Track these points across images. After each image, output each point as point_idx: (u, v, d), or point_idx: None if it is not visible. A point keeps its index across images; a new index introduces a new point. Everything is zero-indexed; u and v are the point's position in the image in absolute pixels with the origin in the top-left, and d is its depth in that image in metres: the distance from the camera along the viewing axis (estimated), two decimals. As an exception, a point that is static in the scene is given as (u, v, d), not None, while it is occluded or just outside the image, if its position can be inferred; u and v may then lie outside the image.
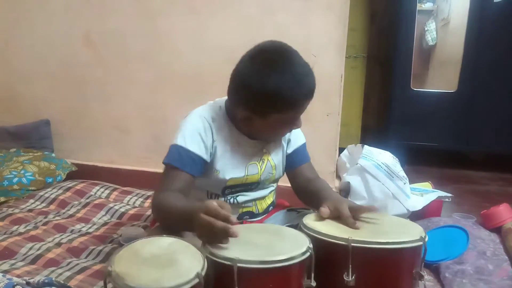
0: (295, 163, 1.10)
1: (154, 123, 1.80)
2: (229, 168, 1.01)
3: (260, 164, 1.05)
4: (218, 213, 0.70)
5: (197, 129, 0.97)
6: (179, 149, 0.95)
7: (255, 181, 1.05)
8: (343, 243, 0.70)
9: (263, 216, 1.11)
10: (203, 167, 0.98)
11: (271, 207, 1.13)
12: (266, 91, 0.88)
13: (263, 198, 1.10)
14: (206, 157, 0.97)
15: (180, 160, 0.94)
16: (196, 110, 1.02)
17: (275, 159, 1.08)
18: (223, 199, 1.05)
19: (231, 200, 1.05)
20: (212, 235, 0.71)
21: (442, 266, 1.14)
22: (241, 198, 1.06)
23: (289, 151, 1.10)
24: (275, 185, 1.14)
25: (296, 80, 0.88)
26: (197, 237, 0.74)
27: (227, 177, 1.01)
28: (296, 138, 1.11)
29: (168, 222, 0.89)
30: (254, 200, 1.08)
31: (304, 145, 1.13)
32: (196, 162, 0.95)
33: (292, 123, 0.96)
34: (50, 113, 1.93)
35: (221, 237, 0.70)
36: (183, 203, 0.86)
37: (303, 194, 1.08)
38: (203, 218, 0.70)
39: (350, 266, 0.70)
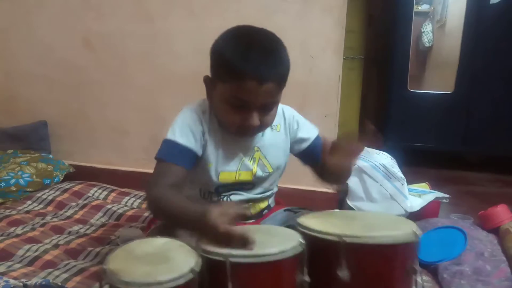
0: (316, 151, 1.01)
1: (152, 124, 1.80)
2: (221, 161, 0.99)
3: (252, 162, 1.02)
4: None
5: (186, 122, 0.97)
6: (167, 143, 0.96)
7: (249, 181, 1.03)
8: (335, 239, 0.70)
9: (256, 219, 1.09)
10: (194, 160, 0.97)
11: (266, 210, 1.10)
12: (216, 52, 0.93)
13: (258, 201, 1.08)
14: (196, 148, 0.96)
15: (169, 154, 0.94)
16: (187, 105, 1.02)
17: (269, 158, 1.04)
18: (216, 198, 1.03)
19: (224, 200, 1.03)
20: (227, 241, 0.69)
21: (440, 267, 1.14)
22: (235, 197, 1.03)
23: (304, 146, 1.06)
24: (273, 189, 1.11)
25: (249, 52, 0.86)
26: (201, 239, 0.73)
27: (219, 170, 0.99)
28: (308, 132, 1.07)
29: (169, 220, 0.90)
30: (248, 201, 1.05)
31: (318, 137, 1.06)
32: (185, 155, 0.95)
33: (238, 107, 0.90)
34: (48, 114, 1.92)
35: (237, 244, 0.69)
36: (187, 203, 0.86)
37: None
38: (220, 228, 0.69)
39: (344, 261, 0.70)
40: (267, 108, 0.92)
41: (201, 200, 1.03)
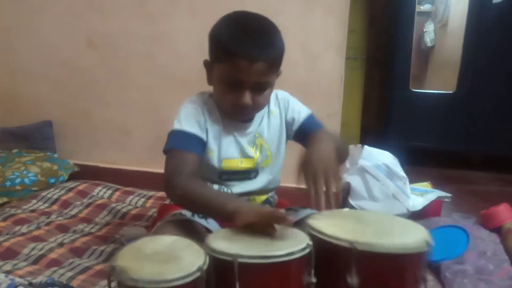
0: (306, 131, 1.08)
1: (155, 124, 1.81)
2: (223, 148, 1.03)
3: (254, 149, 1.06)
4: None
5: (190, 111, 1.01)
6: (177, 133, 0.99)
7: (252, 168, 1.06)
8: (347, 245, 0.69)
9: None
10: (203, 147, 1.00)
11: (266, 205, 1.12)
12: (213, 35, 0.99)
13: (259, 193, 1.09)
14: (202, 136, 1.00)
15: (179, 142, 0.97)
16: (188, 98, 1.06)
17: (268, 142, 1.08)
18: (217, 187, 1.05)
19: (226, 191, 1.05)
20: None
21: (443, 266, 1.15)
22: (236, 189, 1.05)
23: (295, 127, 1.10)
24: (275, 183, 1.13)
25: (242, 34, 0.94)
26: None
27: (222, 157, 1.02)
28: (298, 113, 1.10)
29: (195, 209, 0.95)
30: (250, 193, 1.07)
31: (311, 115, 1.11)
32: (195, 142, 0.98)
33: (232, 86, 0.95)
34: (53, 114, 1.93)
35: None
36: (216, 195, 0.92)
37: None
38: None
39: (354, 268, 0.69)
40: (259, 87, 0.96)
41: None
